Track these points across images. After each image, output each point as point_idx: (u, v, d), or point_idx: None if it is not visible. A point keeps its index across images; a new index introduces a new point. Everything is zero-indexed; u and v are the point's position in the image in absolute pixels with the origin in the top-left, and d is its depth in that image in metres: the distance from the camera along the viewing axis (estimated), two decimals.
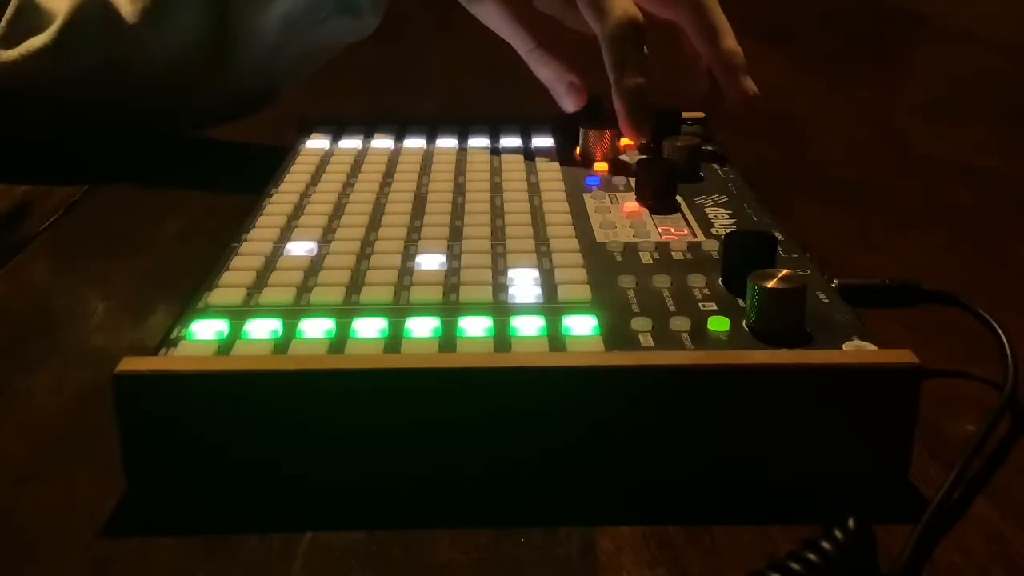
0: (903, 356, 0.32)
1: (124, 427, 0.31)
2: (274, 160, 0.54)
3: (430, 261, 0.40)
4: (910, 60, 1.08)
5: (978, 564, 0.29)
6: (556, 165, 0.53)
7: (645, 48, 0.54)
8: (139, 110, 0.66)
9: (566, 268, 0.40)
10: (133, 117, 0.67)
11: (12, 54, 0.62)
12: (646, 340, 0.34)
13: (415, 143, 0.57)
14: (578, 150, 0.55)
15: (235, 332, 0.34)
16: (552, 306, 0.37)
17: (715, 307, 0.37)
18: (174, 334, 0.34)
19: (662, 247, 0.42)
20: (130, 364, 0.31)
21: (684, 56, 0.59)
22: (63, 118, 0.66)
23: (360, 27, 0.65)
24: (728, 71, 0.57)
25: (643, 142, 0.54)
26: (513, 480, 0.32)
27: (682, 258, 0.41)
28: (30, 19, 0.63)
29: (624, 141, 0.55)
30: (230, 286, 0.38)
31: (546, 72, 0.56)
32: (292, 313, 0.36)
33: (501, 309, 0.36)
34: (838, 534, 0.27)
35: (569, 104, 0.56)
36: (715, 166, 0.53)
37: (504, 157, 0.54)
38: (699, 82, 0.59)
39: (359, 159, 0.54)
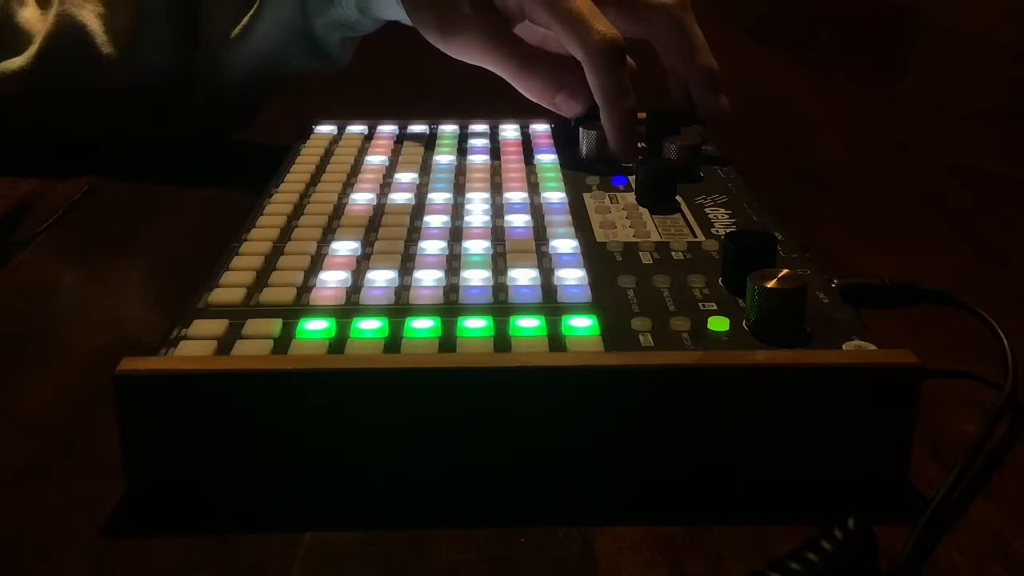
0: (903, 356, 0.32)
1: (124, 427, 0.31)
2: (274, 160, 0.54)
3: (430, 260, 0.40)
4: (910, 60, 1.08)
5: (978, 564, 0.29)
6: (556, 165, 0.53)
7: (630, 61, 0.53)
8: (108, 126, 0.67)
9: (566, 268, 0.40)
10: (102, 131, 0.67)
11: None
12: (646, 340, 0.34)
13: (415, 143, 0.57)
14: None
15: (235, 332, 0.34)
16: (552, 306, 0.37)
17: (715, 307, 0.37)
18: (174, 334, 0.34)
19: (662, 247, 0.42)
20: (130, 364, 0.31)
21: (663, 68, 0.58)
22: (34, 128, 0.67)
23: (328, 66, 0.65)
24: (704, 88, 0.57)
25: (631, 162, 0.53)
26: (513, 480, 0.32)
27: (682, 258, 0.41)
28: (7, 37, 0.64)
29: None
30: (230, 286, 0.38)
31: (537, 89, 0.55)
32: (292, 313, 0.36)
33: (501, 309, 0.36)
34: (838, 534, 0.27)
35: (569, 112, 0.55)
36: (715, 166, 0.53)
37: (504, 157, 0.54)
38: (675, 94, 0.59)
39: (359, 159, 0.54)
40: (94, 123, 0.65)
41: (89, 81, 0.64)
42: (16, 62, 0.63)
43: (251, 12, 0.61)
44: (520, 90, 0.55)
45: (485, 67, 0.55)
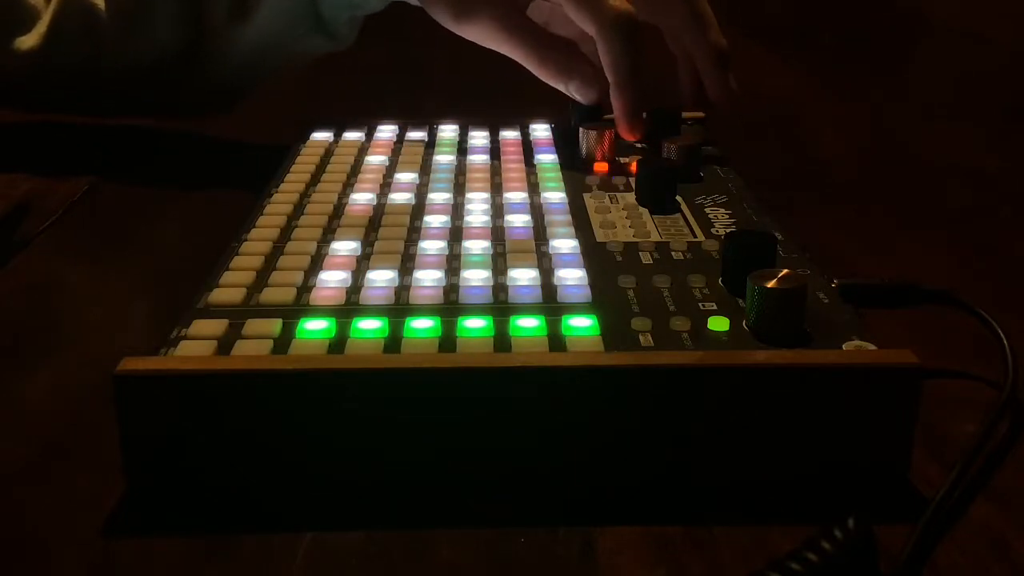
0: (903, 356, 0.32)
1: (124, 427, 0.31)
2: (274, 160, 0.54)
3: (430, 260, 0.40)
4: (910, 60, 1.08)
5: (978, 564, 0.29)
6: (556, 165, 0.53)
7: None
8: (116, 105, 0.68)
9: (566, 268, 0.40)
10: (110, 110, 0.68)
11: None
12: (646, 340, 0.34)
13: (415, 143, 0.57)
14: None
15: (235, 332, 0.34)
16: (552, 306, 0.37)
17: (715, 307, 0.37)
18: (174, 334, 0.34)
19: (662, 247, 0.42)
20: (130, 364, 0.31)
21: (670, 53, 0.59)
22: (45, 107, 0.68)
23: (335, 44, 0.65)
24: (713, 65, 0.57)
25: (637, 139, 0.54)
26: (513, 480, 0.32)
27: (682, 258, 0.41)
28: (14, 14, 0.64)
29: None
30: (230, 286, 0.38)
31: (551, 74, 0.55)
32: (292, 313, 0.36)
33: (501, 309, 0.36)
34: (838, 534, 0.27)
35: (583, 98, 0.55)
36: (715, 165, 0.53)
37: (504, 157, 0.54)
38: (683, 78, 0.59)
39: (359, 159, 0.54)
40: (102, 102, 0.66)
41: (96, 60, 0.64)
42: (27, 41, 0.64)
43: None
44: (534, 73, 0.55)
45: (498, 51, 0.56)
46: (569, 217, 0.45)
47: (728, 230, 0.43)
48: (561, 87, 0.55)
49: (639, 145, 0.56)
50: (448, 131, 0.59)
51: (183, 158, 0.66)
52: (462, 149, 0.56)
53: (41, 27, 0.64)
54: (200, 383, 0.31)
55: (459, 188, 0.49)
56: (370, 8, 0.63)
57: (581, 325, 0.35)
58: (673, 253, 0.42)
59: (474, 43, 0.57)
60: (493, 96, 0.76)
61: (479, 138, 0.58)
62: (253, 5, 0.62)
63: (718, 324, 0.35)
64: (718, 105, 0.58)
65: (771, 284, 0.34)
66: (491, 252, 0.41)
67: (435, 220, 0.45)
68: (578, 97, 0.55)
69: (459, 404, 0.31)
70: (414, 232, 0.44)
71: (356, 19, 0.64)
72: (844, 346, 0.33)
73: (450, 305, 0.37)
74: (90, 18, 0.64)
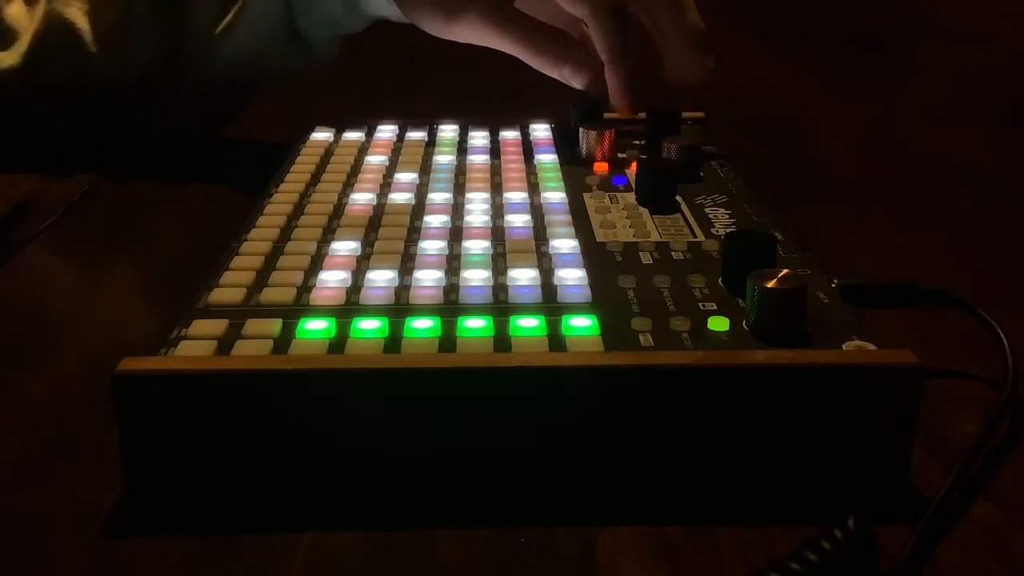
0: (903, 356, 0.32)
1: (124, 427, 0.31)
2: (274, 160, 0.54)
3: (430, 260, 0.40)
4: (910, 60, 1.08)
5: (978, 564, 0.29)
6: (556, 165, 0.53)
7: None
8: (96, 123, 0.67)
9: (566, 268, 0.40)
10: (90, 128, 0.68)
11: None
12: (646, 340, 0.34)
13: (415, 143, 0.57)
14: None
15: (235, 332, 0.34)
16: (552, 306, 0.37)
17: (715, 307, 0.37)
18: (174, 334, 0.34)
19: (662, 247, 0.42)
20: (130, 364, 0.31)
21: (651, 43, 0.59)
22: (23, 126, 0.67)
23: (315, 61, 0.65)
24: (689, 46, 0.57)
25: (636, 116, 0.56)
26: (513, 480, 0.32)
27: (682, 258, 0.41)
28: None
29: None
30: (230, 286, 0.38)
31: (545, 62, 0.55)
32: (292, 313, 0.36)
33: (501, 309, 0.36)
34: (838, 534, 0.27)
35: (578, 81, 0.56)
36: (715, 166, 0.53)
37: (504, 157, 0.54)
38: (665, 64, 0.59)
39: (359, 159, 0.54)
40: (82, 120, 0.66)
41: (77, 78, 0.64)
42: (6, 60, 0.64)
43: (235, 9, 0.61)
44: (528, 63, 0.56)
45: (491, 47, 0.56)
46: (569, 217, 0.45)
47: (728, 230, 0.43)
48: (555, 74, 0.56)
49: (638, 143, 0.56)
50: (448, 131, 0.59)
51: (183, 158, 0.66)
52: (462, 149, 0.56)
53: (20, 47, 0.64)
54: (200, 383, 0.31)
55: (459, 188, 0.49)
56: (349, 28, 0.63)
57: (581, 325, 0.35)
58: (673, 253, 0.42)
59: (466, 43, 0.57)
60: (488, 96, 0.76)
61: (479, 138, 0.58)
62: (231, 23, 0.62)
63: (718, 324, 0.35)
64: (697, 85, 0.58)
65: (771, 284, 0.34)
66: (491, 252, 0.41)
67: (435, 220, 0.45)
68: (573, 81, 0.56)
69: (459, 404, 0.31)
70: (414, 232, 0.44)
71: (336, 37, 0.64)
72: (844, 346, 0.33)
73: (450, 305, 0.37)
74: (70, 38, 0.63)
